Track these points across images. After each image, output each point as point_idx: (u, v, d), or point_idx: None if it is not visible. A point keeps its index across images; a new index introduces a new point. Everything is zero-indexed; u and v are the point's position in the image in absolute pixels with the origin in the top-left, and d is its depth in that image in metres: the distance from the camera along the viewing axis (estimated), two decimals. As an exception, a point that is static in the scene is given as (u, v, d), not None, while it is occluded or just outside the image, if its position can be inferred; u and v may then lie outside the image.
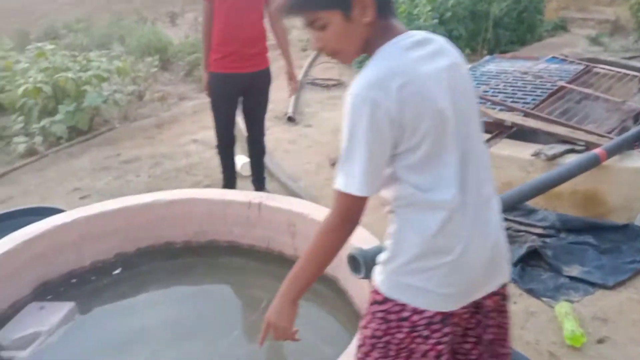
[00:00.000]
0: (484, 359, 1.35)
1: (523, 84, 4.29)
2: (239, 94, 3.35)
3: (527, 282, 2.76)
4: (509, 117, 3.57)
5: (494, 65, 4.92)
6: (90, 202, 3.56)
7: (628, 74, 4.47)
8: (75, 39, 8.29)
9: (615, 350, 2.31)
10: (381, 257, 1.29)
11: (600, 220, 3.11)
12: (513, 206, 2.91)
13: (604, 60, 5.29)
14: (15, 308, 2.44)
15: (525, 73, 4.48)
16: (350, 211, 1.20)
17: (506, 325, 1.37)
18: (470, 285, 1.25)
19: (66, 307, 2.46)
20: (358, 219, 1.22)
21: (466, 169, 1.21)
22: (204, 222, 2.85)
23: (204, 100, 4.42)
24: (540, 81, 4.31)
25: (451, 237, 1.20)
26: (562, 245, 2.99)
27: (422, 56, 1.19)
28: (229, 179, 3.60)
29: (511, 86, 4.25)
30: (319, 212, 2.59)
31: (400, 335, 1.24)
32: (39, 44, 6.10)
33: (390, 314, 1.24)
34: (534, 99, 3.94)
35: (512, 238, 3.05)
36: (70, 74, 5.08)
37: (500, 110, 3.77)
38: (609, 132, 3.41)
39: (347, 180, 1.16)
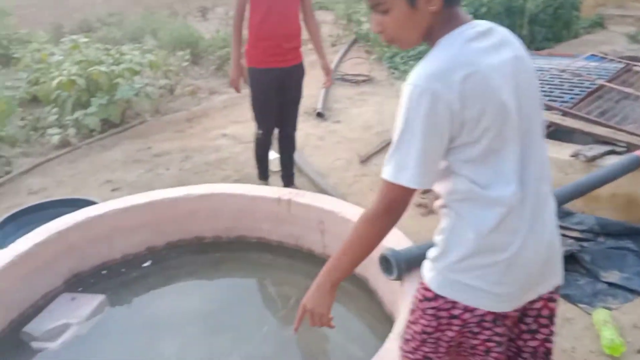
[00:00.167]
0: None
1: (560, 81, 4.17)
2: (276, 88, 3.36)
3: (563, 287, 2.67)
4: (547, 116, 3.47)
5: (530, 62, 4.80)
6: (121, 195, 3.60)
7: (671, 73, 4.31)
8: (108, 32, 8.40)
9: (657, 361, 2.23)
10: (431, 252, 1.25)
11: (640, 225, 2.99)
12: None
13: (645, 58, 5.11)
14: (48, 299, 2.48)
15: (563, 71, 4.35)
16: (395, 202, 1.17)
17: (552, 332, 1.33)
18: (524, 285, 1.21)
19: (97, 299, 2.48)
20: (402, 211, 1.19)
21: (526, 165, 1.16)
22: (233, 218, 2.85)
23: (234, 95, 4.43)
24: (579, 79, 4.18)
25: (507, 234, 1.16)
26: (600, 250, 2.90)
27: (486, 47, 1.14)
28: (264, 169, 3.69)
29: (548, 84, 4.13)
30: (349, 210, 2.57)
31: (451, 334, 1.23)
32: (73, 37, 6.19)
33: (441, 311, 1.22)
34: (572, 98, 3.82)
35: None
36: (103, 67, 5.15)
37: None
38: (652, 134, 3.28)
39: (398, 171, 1.13)
